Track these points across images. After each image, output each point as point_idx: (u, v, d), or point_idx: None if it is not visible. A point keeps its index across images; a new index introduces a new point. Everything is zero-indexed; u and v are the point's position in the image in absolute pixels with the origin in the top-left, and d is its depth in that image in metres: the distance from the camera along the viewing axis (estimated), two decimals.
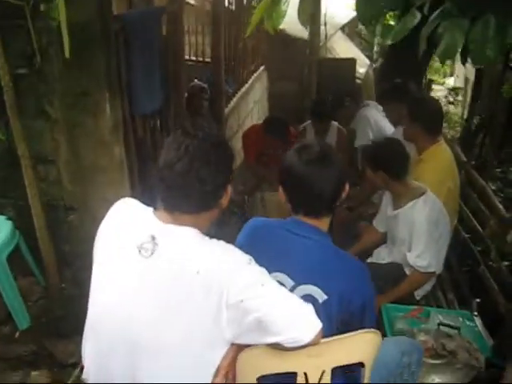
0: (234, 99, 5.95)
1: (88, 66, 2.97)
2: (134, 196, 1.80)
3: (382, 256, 3.25)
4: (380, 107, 4.41)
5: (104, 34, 2.97)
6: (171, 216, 1.56)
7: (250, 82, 6.65)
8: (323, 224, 1.85)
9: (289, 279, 1.75)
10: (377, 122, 4.42)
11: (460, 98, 11.65)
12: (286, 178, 1.83)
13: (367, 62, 9.44)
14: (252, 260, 1.55)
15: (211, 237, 1.57)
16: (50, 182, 3.26)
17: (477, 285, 3.37)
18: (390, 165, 2.92)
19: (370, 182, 3.18)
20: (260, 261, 1.57)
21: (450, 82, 13.88)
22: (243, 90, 6.28)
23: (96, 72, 3.00)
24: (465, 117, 8.10)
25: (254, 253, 1.58)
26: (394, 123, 4.02)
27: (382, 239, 3.31)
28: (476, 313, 2.92)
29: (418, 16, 1.72)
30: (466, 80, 10.86)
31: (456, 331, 2.63)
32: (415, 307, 2.96)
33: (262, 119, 7.36)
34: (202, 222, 1.59)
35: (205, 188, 1.51)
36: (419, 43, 1.77)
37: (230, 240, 1.64)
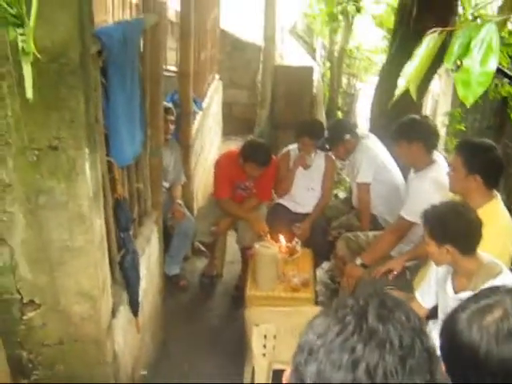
0: (198, 118, 5.16)
1: (59, 107, 2.03)
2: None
3: None
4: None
5: (83, 62, 2.02)
6: None
7: (208, 95, 5.82)
8: None
9: None
10: (381, 156, 4.15)
11: None
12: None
13: (317, 67, 8.86)
14: None
15: None
16: None
17: None
18: (463, 237, 2.44)
19: (431, 256, 2.62)
20: None
21: None
22: (205, 106, 5.45)
23: (71, 116, 2.05)
24: None
25: None
26: (408, 165, 3.67)
27: (425, 316, 2.82)
28: None
29: None
30: None
31: None
32: None
33: (219, 136, 6.88)
34: None
35: None
36: None
37: None
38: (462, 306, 1.29)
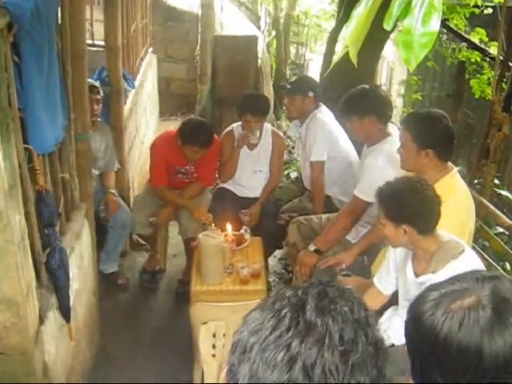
0: (130, 97, 5.08)
1: None
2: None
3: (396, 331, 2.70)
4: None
5: None
6: None
7: (142, 71, 5.75)
8: None
9: None
10: (334, 131, 4.21)
11: None
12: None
13: (261, 36, 8.84)
14: None
15: None
16: None
17: None
18: (421, 216, 2.49)
19: (388, 238, 2.65)
20: None
21: None
22: (137, 83, 5.39)
23: None
24: None
25: None
26: (361, 140, 3.73)
27: (384, 302, 2.91)
28: None
29: None
30: None
31: None
32: None
33: (155, 116, 6.80)
34: None
35: None
36: None
37: None
38: (436, 285, 1.28)
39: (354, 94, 3.53)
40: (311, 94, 4.12)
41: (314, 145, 4.11)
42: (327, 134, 4.13)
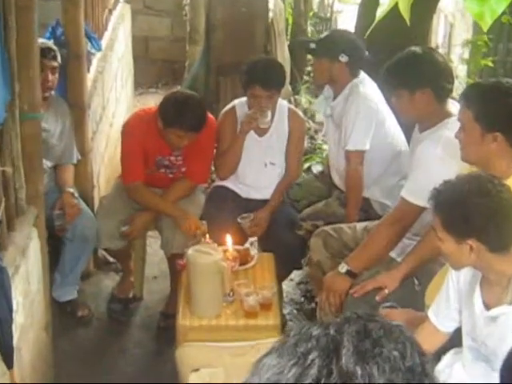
0: (95, 62, 5.15)
1: None
2: None
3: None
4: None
5: None
6: None
7: (110, 27, 5.82)
8: None
9: None
10: (380, 110, 4.20)
11: None
12: None
13: None
14: None
15: None
16: None
17: None
18: (494, 228, 2.49)
19: (448, 257, 2.70)
20: None
21: None
22: (105, 44, 5.48)
23: None
24: None
25: None
26: (411, 121, 3.76)
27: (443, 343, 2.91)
28: None
29: None
30: None
31: None
32: None
33: (129, 88, 6.87)
34: None
35: None
36: None
37: None
38: None
39: (402, 61, 3.52)
40: (343, 59, 4.10)
41: (353, 128, 4.09)
42: (372, 114, 4.11)
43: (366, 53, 4.21)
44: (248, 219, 4.26)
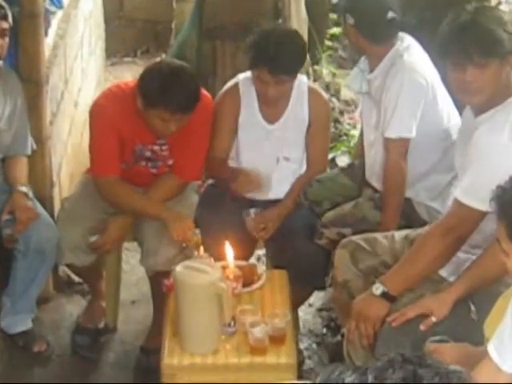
0: (55, 23, 5.18)
1: None
2: None
3: None
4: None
5: None
6: None
7: None
8: None
9: None
10: (432, 85, 4.18)
11: None
12: None
13: None
14: None
15: None
16: None
17: None
18: None
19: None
20: None
21: None
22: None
23: None
24: None
25: None
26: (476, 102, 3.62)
27: None
28: None
29: None
30: None
31: None
32: None
33: (99, 57, 6.94)
34: None
35: None
36: None
37: None
38: None
39: (476, 17, 3.49)
40: (350, 20, 4.15)
41: (395, 108, 4.08)
42: (421, 90, 4.10)
43: (391, 13, 4.17)
44: (253, 215, 4.28)
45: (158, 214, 4.22)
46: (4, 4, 4.21)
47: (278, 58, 4.10)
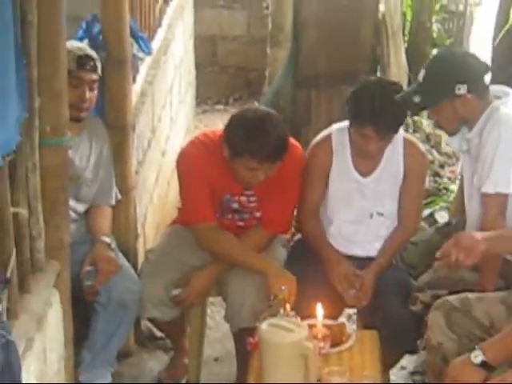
0: (144, 70, 5.28)
1: None
2: None
3: None
4: None
5: None
6: None
7: (165, 23, 5.92)
8: None
9: None
10: None
11: None
12: None
13: None
14: None
15: None
16: None
17: None
18: None
19: None
20: None
21: None
22: (157, 46, 5.62)
23: None
24: None
25: None
26: None
27: None
28: None
29: None
30: None
31: None
32: None
33: (189, 105, 6.93)
34: None
35: None
36: None
37: None
38: None
39: None
40: (462, 90, 4.10)
41: (492, 162, 4.05)
42: None
43: (486, 66, 4.18)
44: (351, 279, 4.25)
45: (261, 266, 4.22)
46: (94, 55, 4.26)
47: (384, 115, 4.12)
